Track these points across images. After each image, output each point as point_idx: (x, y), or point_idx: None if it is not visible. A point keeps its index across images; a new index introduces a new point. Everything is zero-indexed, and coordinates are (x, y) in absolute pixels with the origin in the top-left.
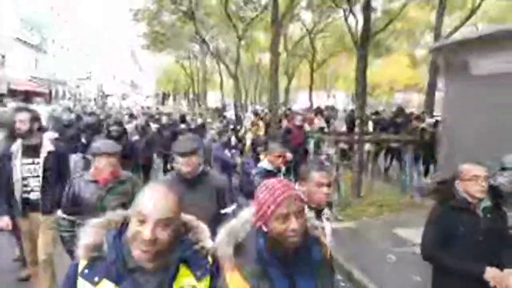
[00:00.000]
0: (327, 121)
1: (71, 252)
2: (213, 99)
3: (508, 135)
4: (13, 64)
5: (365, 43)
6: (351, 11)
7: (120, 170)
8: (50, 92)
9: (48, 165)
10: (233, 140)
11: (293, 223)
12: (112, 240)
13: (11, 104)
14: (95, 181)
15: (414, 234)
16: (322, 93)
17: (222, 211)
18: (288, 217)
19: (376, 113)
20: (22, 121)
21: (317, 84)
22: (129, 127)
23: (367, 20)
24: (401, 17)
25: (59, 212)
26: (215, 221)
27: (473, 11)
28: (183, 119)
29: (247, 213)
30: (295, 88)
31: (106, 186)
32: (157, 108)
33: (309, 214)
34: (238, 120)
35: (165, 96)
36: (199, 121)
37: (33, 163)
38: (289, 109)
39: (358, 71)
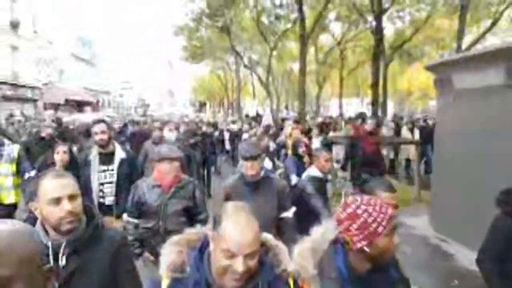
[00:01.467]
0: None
1: (134, 255)
2: (247, 107)
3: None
4: (68, 77)
5: (379, 54)
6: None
7: (181, 174)
8: (97, 102)
9: (121, 172)
10: (272, 145)
11: (395, 239)
12: (194, 261)
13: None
14: (159, 186)
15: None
16: (353, 100)
17: (282, 215)
18: (392, 233)
19: (425, 121)
20: (101, 132)
21: (348, 91)
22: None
23: (378, 33)
24: (428, 26)
25: (125, 216)
26: (274, 224)
27: (494, 23)
28: (215, 127)
29: (326, 230)
30: (328, 96)
31: (169, 190)
32: (197, 116)
33: None
34: (276, 126)
35: (202, 105)
36: (235, 128)
37: (108, 170)
38: (330, 117)
39: (375, 79)
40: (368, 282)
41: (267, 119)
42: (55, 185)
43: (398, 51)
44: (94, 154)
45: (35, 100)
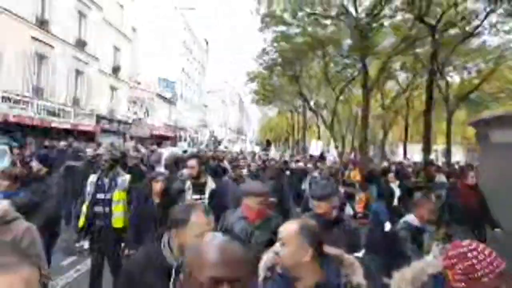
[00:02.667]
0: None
1: None
2: (312, 147)
3: None
4: (153, 114)
5: (430, 106)
6: (440, 73)
7: (267, 209)
8: (175, 136)
9: (211, 201)
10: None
11: None
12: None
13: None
14: (245, 218)
15: None
16: (418, 146)
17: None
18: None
19: None
20: (192, 166)
21: (414, 137)
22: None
23: (429, 86)
24: (496, 77)
25: None
26: None
27: None
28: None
29: (428, 264)
30: (395, 141)
31: (254, 222)
32: (266, 154)
33: None
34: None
35: (268, 143)
36: (301, 165)
37: (200, 198)
38: (400, 163)
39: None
40: None
41: (332, 159)
42: (205, 222)
43: (464, 101)
44: (188, 185)
45: (124, 134)
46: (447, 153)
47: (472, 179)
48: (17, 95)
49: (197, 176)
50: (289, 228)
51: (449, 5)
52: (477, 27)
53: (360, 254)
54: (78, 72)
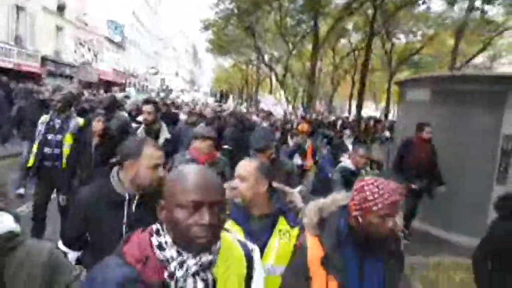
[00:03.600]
0: None
1: None
2: (265, 101)
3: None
4: (101, 59)
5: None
6: (387, 36)
7: (215, 152)
8: (125, 83)
9: (164, 147)
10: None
11: (390, 223)
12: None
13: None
14: (193, 160)
15: None
16: (368, 103)
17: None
18: (388, 216)
19: None
20: (148, 111)
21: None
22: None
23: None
24: (435, 42)
25: None
26: None
27: (484, 47)
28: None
29: (339, 197)
30: (343, 98)
31: (203, 164)
32: (220, 106)
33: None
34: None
35: (223, 95)
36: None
37: None
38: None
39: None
40: (363, 249)
41: (278, 113)
42: (157, 155)
43: (406, 63)
44: (140, 130)
45: (71, 77)
46: (386, 110)
47: (427, 134)
48: None
49: (152, 122)
50: (249, 166)
51: None
52: None
53: (296, 190)
54: (19, 8)
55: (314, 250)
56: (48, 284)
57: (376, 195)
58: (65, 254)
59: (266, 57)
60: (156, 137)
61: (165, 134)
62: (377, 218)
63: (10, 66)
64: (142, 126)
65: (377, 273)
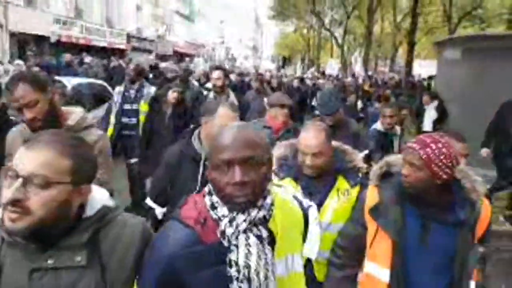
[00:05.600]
0: None
1: None
2: (328, 66)
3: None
4: (174, 32)
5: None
6: None
7: (289, 120)
8: (196, 54)
9: None
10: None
11: (404, 170)
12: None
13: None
14: (269, 127)
15: None
16: (430, 62)
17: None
18: (421, 167)
19: None
20: (218, 77)
21: (425, 53)
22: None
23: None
24: None
25: None
26: None
27: None
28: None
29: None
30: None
31: (278, 132)
32: (280, 72)
33: (476, 177)
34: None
35: (285, 61)
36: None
37: None
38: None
39: None
40: (426, 211)
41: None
42: (231, 115)
43: (466, 18)
44: (211, 97)
45: (150, 51)
46: None
47: None
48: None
49: (221, 88)
50: (320, 139)
51: None
52: None
53: (362, 154)
54: None
55: (371, 199)
56: (142, 257)
57: (418, 147)
58: (153, 209)
59: (327, 21)
60: None
61: (233, 100)
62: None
63: (104, 44)
64: (212, 92)
65: (445, 243)
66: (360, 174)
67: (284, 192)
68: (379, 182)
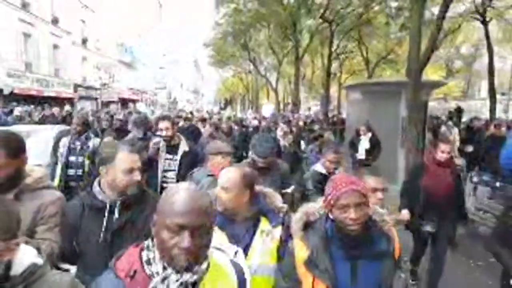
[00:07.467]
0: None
1: None
2: (264, 109)
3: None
4: (117, 79)
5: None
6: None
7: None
8: (140, 99)
9: (183, 162)
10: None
11: (352, 214)
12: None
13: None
14: (213, 175)
15: None
16: None
17: (285, 190)
18: (347, 207)
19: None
20: (166, 127)
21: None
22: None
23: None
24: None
25: None
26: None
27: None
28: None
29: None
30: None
31: None
32: (219, 113)
33: (382, 210)
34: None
35: (227, 102)
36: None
37: (171, 158)
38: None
39: None
40: (352, 248)
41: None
42: (131, 159)
43: (382, 62)
44: (162, 144)
45: (96, 99)
46: None
47: (442, 154)
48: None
49: (171, 138)
50: (233, 177)
51: None
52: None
53: (289, 190)
54: (54, 46)
55: (300, 252)
56: None
57: (331, 189)
58: (67, 270)
59: (262, 68)
60: (175, 151)
61: (184, 147)
62: (338, 210)
63: (52, 94)
64: (162, 140)
65: (373, 275)
66: (281, 214)
67: (222, 256)
68: (302, 233)
